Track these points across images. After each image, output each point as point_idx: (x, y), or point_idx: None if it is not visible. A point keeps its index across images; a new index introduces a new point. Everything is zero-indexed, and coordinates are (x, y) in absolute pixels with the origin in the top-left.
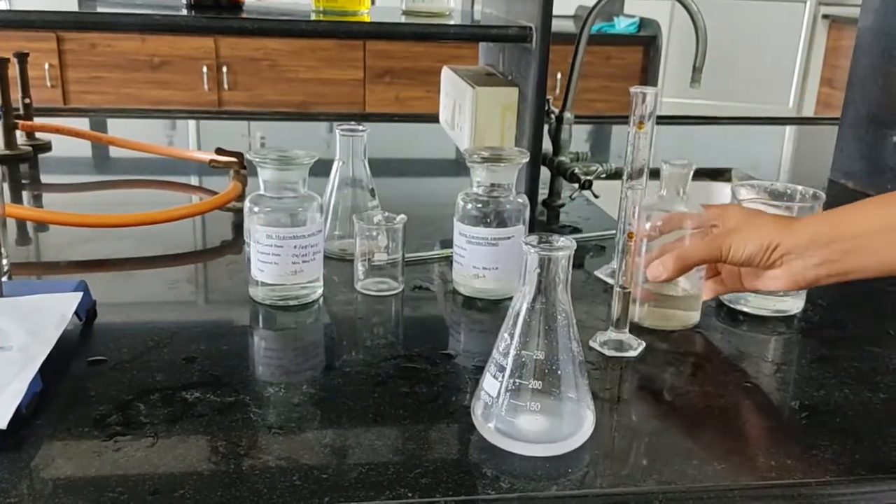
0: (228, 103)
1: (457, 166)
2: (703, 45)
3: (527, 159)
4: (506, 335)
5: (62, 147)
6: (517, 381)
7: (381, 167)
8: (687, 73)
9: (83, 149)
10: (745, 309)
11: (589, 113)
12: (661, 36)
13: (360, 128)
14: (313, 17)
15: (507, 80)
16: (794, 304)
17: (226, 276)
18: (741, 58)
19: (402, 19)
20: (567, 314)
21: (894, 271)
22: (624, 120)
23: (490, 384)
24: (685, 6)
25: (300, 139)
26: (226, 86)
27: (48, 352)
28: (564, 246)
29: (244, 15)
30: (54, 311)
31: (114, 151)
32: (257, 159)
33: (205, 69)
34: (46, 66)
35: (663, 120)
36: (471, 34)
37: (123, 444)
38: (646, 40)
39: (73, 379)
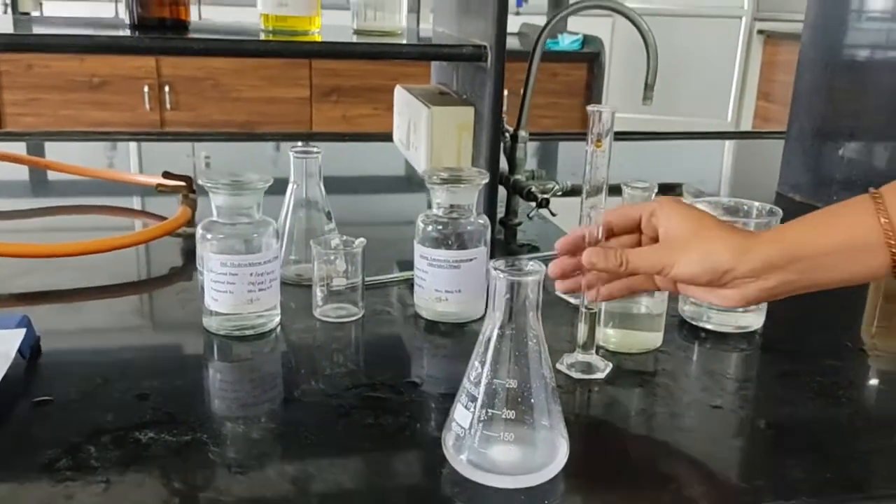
0: (171, 123)
1: (410, 185)
2: (655, 63)
3: (487, 180)
4: (476, 363)
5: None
6: (490, 410)
7: (334, 188)
8: (630, 89)
9: (20, 174)
10: (708, 326)
11: (536, 130)
12: (605, 52)
13: (315, 149)
14: (262, 36)
15: (462, 100)
16: (756, 320)
17: (177, 305)
18: (680, 73)
19: (354, 38)
20: (538, 340)
21: (854, 282)
22: (571, 136)
23: (461, 415)
24: (636, 24)
25: (246, 160)
26: (168, 106)
27: None
28: (534, 270)
29: (191, 35)
30: None
31: (53, 176)
32: (209, 185)
33: (146, 89)
34: None
35: (620, 136)
36: (424, 53)
37: (74, 490)
38: (589, 57)
39: (18, 421)
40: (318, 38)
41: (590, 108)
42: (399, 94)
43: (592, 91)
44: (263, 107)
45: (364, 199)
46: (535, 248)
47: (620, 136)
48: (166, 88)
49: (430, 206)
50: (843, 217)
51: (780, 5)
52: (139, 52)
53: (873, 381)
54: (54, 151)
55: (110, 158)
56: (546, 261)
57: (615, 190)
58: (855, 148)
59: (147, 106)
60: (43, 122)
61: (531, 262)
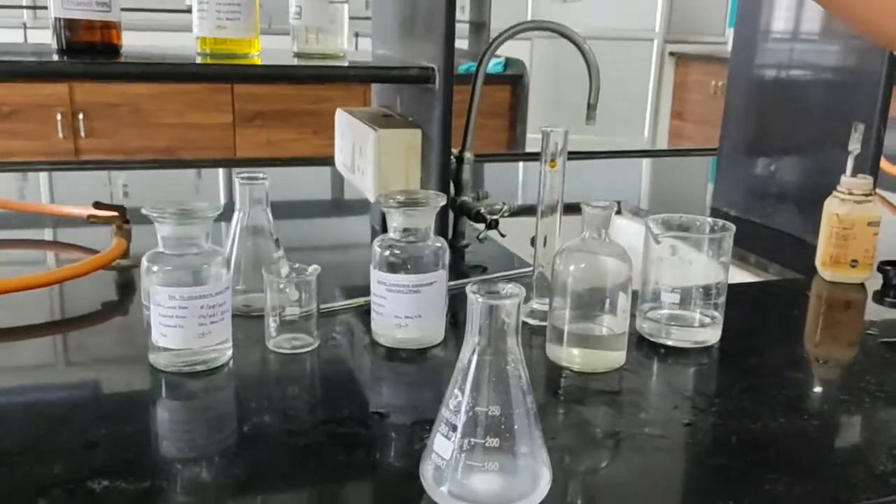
0: (87, 152)
1: (349, 209)
2: (597, 83)
3: (444, 202)
4: (455, 391)
5: None
6: (472, 439)
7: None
8: (553, 109)
9: None
10: (668, 342)
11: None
12: (527, 74)
13: (261, 175)
14: (199, 60)
15: (408, 122)
16: (713, 335)
17: (118, 342)
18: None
19: (295, 61)
20: (518, 364)
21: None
22: (498, 158)
23: (441, 445)
24: (578, 46)
25: (168, 186)
26: (83, 133)
27: None
28: (512, 294)
29: (124, 59)
30: None
31: None
32: (155, 214)
33: (59, 117)
34: None
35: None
36: (371, 76)
37: None
38: (512, 79)
39: None
40: (258, 62)
41: (542, 128)
42: (341, 116)
43: (517, 112)
44: (185, 132)
45: (304, 224)
46: (485, 270)
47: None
48: (80, 115)
49: (384, 230)
50: None
51: (689, 28)
52: (70, 77)
53: (833, 392)
54: None
55: (21, 190)
56: (499, 280)
57: (569, 209)
58: (787, 163)
59: (60, 134)
60: None
61: (509, 285)
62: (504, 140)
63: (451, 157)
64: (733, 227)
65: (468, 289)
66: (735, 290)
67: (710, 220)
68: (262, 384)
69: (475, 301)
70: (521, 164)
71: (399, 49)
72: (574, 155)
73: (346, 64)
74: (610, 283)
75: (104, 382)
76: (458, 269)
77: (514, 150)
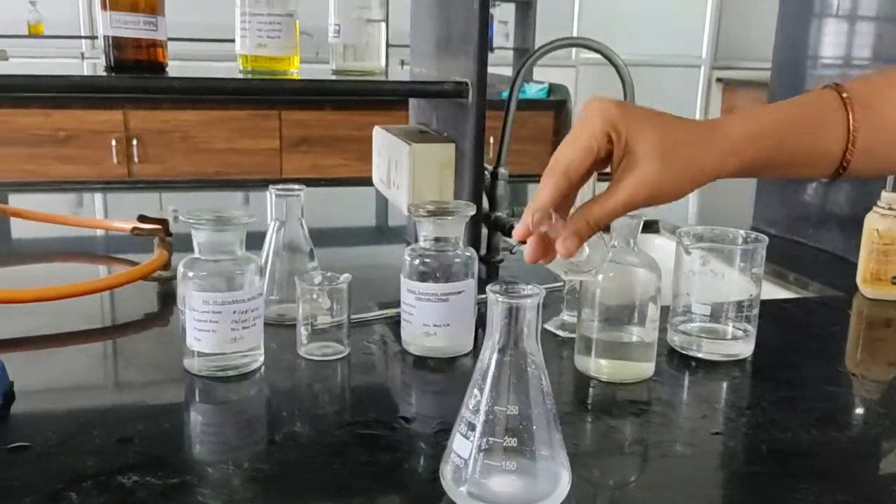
0: (139, 177)
1: (389, 227)
2: (631, 97)
3: (473, 211)
4: (475, 391)
5: None
6: (490, 439)
7: (311, 231)
8: None
9: None
10: (698, 355)
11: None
12: (570, 101)
13: (296, 188)
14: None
15: (443, 137)
16: (745, 348)
17: (156, 349)
18: None
19: (333, 79)
20: (538, 365)
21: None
22: (538, 178)
23: (460, 444)
24: (612, 61)
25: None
26: (136, 159)
27: None
28: (532, 293)
29: (171, 75)
30: None
31: (20, 225)
32: (192, 220)
33: (113, 142)
34: None
35: None
36: (407, 90)
37: None
38: (556, 105)
39: None
40: (297, 78)
41: None
42: (378, 134)
43: (560, 137)
44: (233, 158)
45: (344, 240)
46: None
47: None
48: (134, 142)
49: (416, 240)
50: (821, 130)
51: (736, 54)
52: (118, 91)
53: (870, 406)
54: (18, 203)
55: (76, 213)
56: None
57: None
58: (828, 182)
59: (114, 160)
60: (7, 177)
61: (529, 286)
62: (545, 164)
63: (486, 172)
64: (766, 239)
65: (488, 289)
66: (772, 307)
67: (742, 232)
68: (291, 389)
69: (495, 301)
70: None
71: (435, 67)
72: (605, 176)
73: (391, 80)
74: (638, 293)
75: (140, 385)
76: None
77: None
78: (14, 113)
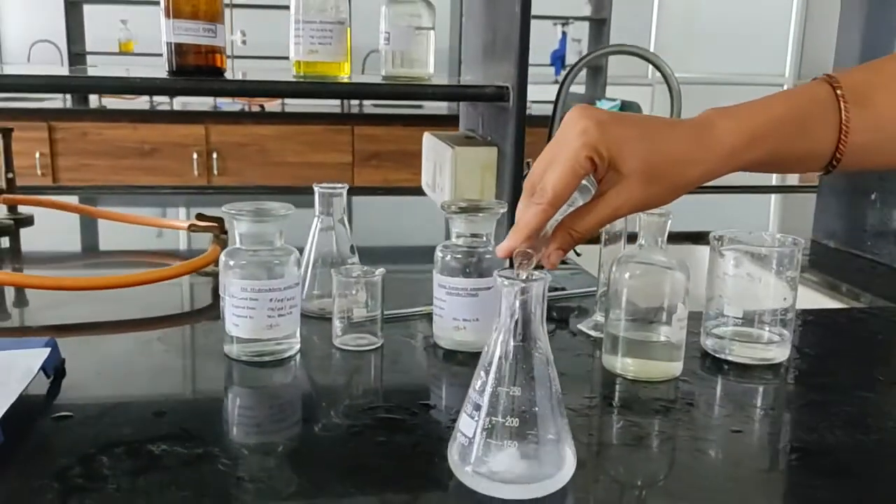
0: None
1: (441, 230)
2: (679, 108)
3: (505, 209)
4: (481, 372)
5: (45, 222)
6: (493, 419)
7: (367, 237)
8: None
9: (65, 222)
10: (730, 358)
11: None
12: None
13: (339, 186)
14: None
15: (487, 141)
16: (780, 353)
17: (201, 336)
18: None
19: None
20: (543, 349)
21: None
22: None
23: (466, 424)
24: (660, 69)
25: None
26: (215, 171)
27: (9, 405)
28: (538, 278)
29: (224, 78)
30: (19, 366)
31: (97, 224)
32: (233, 212)
33: (195, 155)
34: (37, 154)
35: None
36: (448, 93)
37: (84, 498)
38: None
39: (38, 434)
40: (349, 82)
41: None
42: (427, 139)
43: None
44: (306, 171)
45: (395, 241)
46: (558, 289)
47: None
48: (214, 155)
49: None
50: (811, 130)
51: (822, 69)
52: (173, 94)
53: None
54: (107, 206)
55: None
56: (572, 298)
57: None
58: (888, 193)
59: (195, 172)
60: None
61: (536, 272)
62: None
63: None
64: (802, 242)
65: (496, 273)
66: (819, 315)
67: (779, 236)
68: (322, 375)
69: (503, 285)
70: None
71: (482, 73)
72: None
73: (433, 83)
74: (666, 291)
75: (182, 367)
76: None
77: None
78: (105, 126)
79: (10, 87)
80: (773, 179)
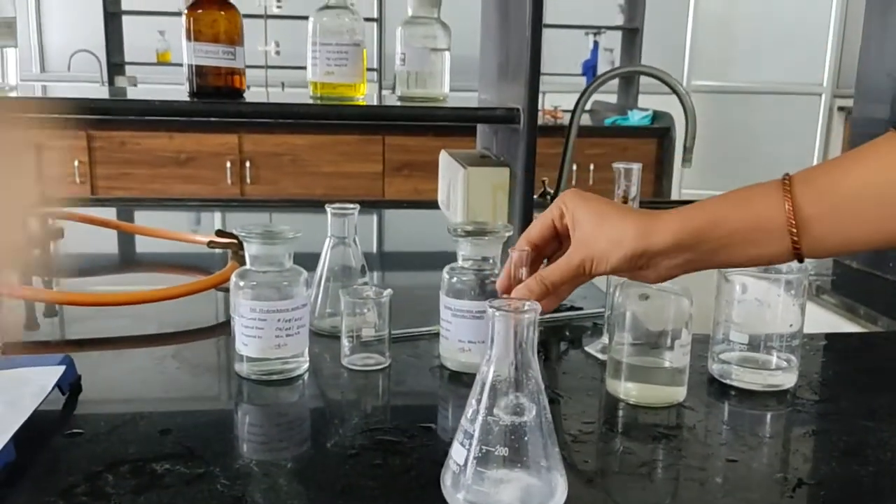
0: (250, 196)
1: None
2: (693, 127)
3: (511, 233)
4: (473, 401)
5: (74, 234)
6: (485, 447)
7: (391, 251)
8: (702, 164)
9: (93, 235)
10: (736, 384)
11: None
12: (675, 128)
13: (351, 206)
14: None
15: (500, 161)
16: (787, 379)
17: (213, 353)
18: (760, 150)
19: (398, 104)
20: (535, 378)
21: (756, 265)
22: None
23: (458, 452)
24: (674, 90)
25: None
26: (248, 180)
27: (22, 422)
28: (529, 309)
29: (242, 100)
30: (34, 383)
31: (124, 237)
32: (244, 234)
33: (228, 164)
34: (76, 162)
35: (679, 204)
36: (460, 116)
37: None
38: (660, 132)
39: (49, 450)
40: (362, 104)
41: (615, 165)
42: (443, 157)
43: (663, 166)
44: (339, 181)
45: (417, 255)
46: (574, 309)
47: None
48: (247, 164)
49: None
50: (751, 200)
51: None
52: (194, 115)
53: None
54: (141, 218)
55: (195, 230)
56: (586, 318)
57: None
58: None
59: (229, 180)
60: (131, 195)
61: (527, 302)
62: (650, 192)
63: (548, 196)
64: (808, 268)
65: (488, 304)
66: (833, 339)
67: None
68: (328, 395)
69: (494, 315)
70: None
71: (496, 93)
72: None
73: (445, 105)
74: (670, 317)
75: (193, 385)
76: None
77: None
78: (142, 136)
79: (37, 109)
80: None
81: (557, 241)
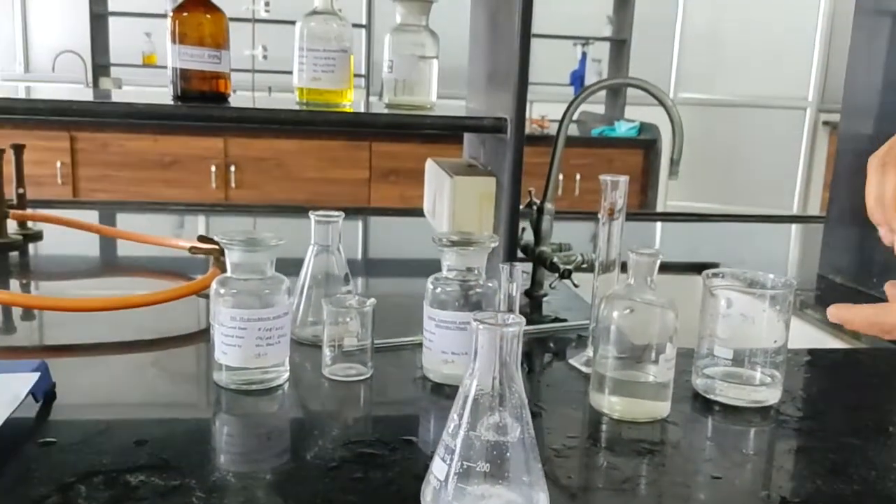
0: (235, 201)
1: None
2: (680, 140)
3: (496, 243)
4: (455, 415)
5: (54, 237)
6: (466, 463)
7: (375, 258)
8: (690, 177)
9: (73, 238)
10: (720, 399)
11: (590, 210)
12: (661, 140)
13: (335, 214)
14: (296, 108)
15: (487, 171)
16: (771, 395)
17: (193, 361)
18: (746, 162)
19: (385, 111)
20: (518, 393)
21: None
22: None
23: (439, 467)
24: (661, 102)
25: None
26: (233, 184)
27: None
28: (514, 323)
29: (226, 105)
30: (7, 390)
31: (105, 241)
32: (225, 241)
33: (213, 168)
34: (58, 164)
35: (665, 217)
36: (447, 124)
37: None
38: (646, 143)
39: (21, 460)
40: (349, 110)
41: (602, 177)
42: (430, 166)
43: (649, 177)
44: (324, 186)
45: (407, 270)
46: (559, 320)
47: (669, 216)
48: (232, 168)
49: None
50: None
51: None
52: (176, 120)
53: (887, 461)
54: (124, 221)
55: (178, 234)
56: (571, 330)
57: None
58: None
59: (213, 184)
60: (113, 198)
61: (512, 316)
62: (636, 204)
63: (534, 207)
64: (794, 284)
65: (472, 317)
66: (816, 355)
67: (772, 276)
68: (308, 406)
69: (478, 329)
70: (657, 224)
71: (484, 101)
72: (686, 218)
73: (432, 114)
74: (654, 331)
75: (171, 394)
76: (531, 317)
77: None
78: (127, 138)
79: (12, 111)
80: (795, 208)
81: None
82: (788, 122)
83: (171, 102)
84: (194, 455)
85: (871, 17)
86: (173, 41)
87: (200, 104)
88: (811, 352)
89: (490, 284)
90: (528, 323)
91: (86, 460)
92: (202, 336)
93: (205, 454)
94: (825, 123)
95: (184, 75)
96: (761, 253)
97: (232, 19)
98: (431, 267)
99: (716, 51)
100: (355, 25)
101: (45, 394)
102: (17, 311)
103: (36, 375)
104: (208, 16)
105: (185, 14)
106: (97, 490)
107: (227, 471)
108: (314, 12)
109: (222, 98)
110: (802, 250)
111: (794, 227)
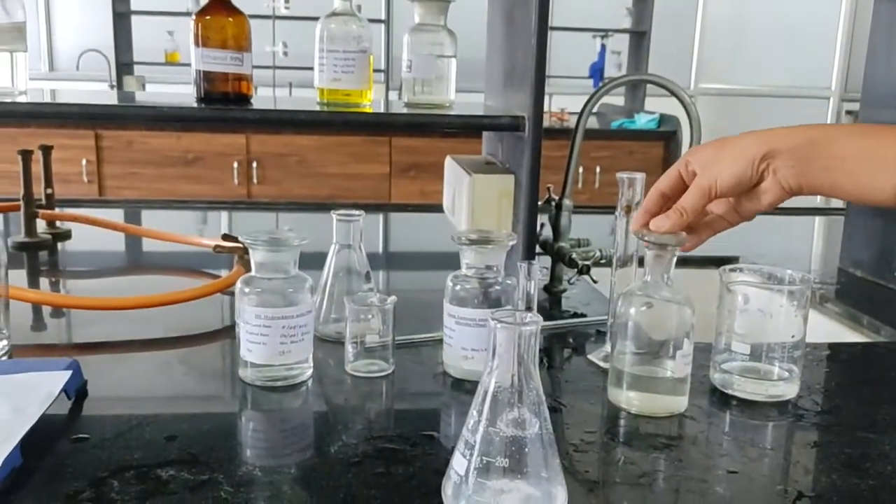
0: (257, 197)
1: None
2: (698, 136)
3: (514, 241)
4: (474, 412)
5: (82, 236)
6: (485, 458)
7: (396, 253)
8: None
9: (101, 237)
10: (738, 394)
11: (609, 204)
12: (681, 131)
13: (356, 213)
14: (317, 109)
15: (505, 168)
16: (788, 390)
17: (219, 358)
18: None
19: (404, 110)
20: (536, 389)
21: (867, 199)
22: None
23: (459, 462)
24: (679, 98)
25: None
26: (255, 180)
27: (28, 427)
28: (532, 321)
29: (249, 107)
30: (41, 388)
31: (131, 239)
32: (249, 241)
33: (235, 164)
34: (84, 161)
35: None
36: (465, 123)
37: None
38: (666, 135)
39: (55, 456)
40: (369, 110)
41: (619, 174)
42: (448, 163)
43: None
44: (345, 182)
45: (427, 264)
46: (578, 315)
47: None
48: (254, 164)
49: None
50: (867, 133)
51: None
52: (200, 121)
53: None
54: (148, 219)
55: (200, 230)
56: (590, 325)
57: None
58: None
59: (235, 180)
60: (138, 195)
61: (529, 314)
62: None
63: (552, 203)
64: (811, 279)
65: (490, 315)
66: (835, 349)
67: (790, 271)
68: (332, 402)
69: (496, 327)
70: None
71: (502, 99)
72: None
73: (450, 113)
74: (671, 326)
75: (198, 390)
76: (550, 313)
77: None
78: (150, 136)
79: (36, 115)
80: (818, 199)
81: (684, 191)
82: (811, 112)
83: (195, 104)
84: (222, 450)
85: (891, 5)
86: (196, 44)
87: (223, 106)
88: (830, 346)
89: (509, 281)
90: (547, 318)
91: (118, 456)
92: (227, 333)
93: (232, 449)
94: (848, 112)
95: (207, 77)
96: (782, 246)
97: (252, 17)
98: (452, 261)
99: (737, 41)
100: (374, 21)
101: (77, 391)
102: (47, 310)
103: (68, 373)
104: (230, 19)
105: (207, 17)
106: (129, 485)
107: (253, 465)
108: (333, 14)
109: (245, 99)
110: (824, 243)
111: (816, 219)
